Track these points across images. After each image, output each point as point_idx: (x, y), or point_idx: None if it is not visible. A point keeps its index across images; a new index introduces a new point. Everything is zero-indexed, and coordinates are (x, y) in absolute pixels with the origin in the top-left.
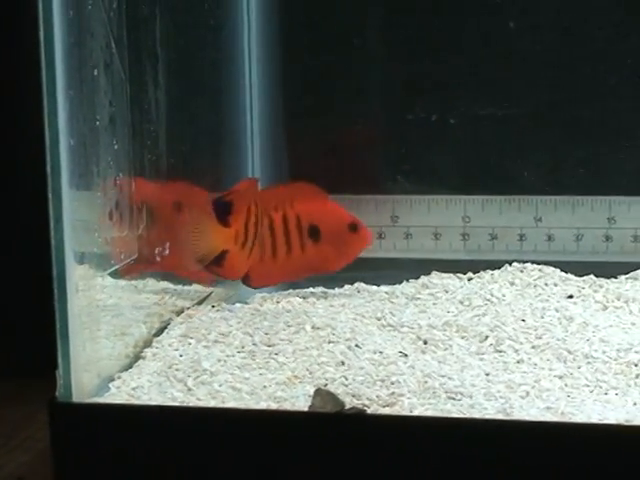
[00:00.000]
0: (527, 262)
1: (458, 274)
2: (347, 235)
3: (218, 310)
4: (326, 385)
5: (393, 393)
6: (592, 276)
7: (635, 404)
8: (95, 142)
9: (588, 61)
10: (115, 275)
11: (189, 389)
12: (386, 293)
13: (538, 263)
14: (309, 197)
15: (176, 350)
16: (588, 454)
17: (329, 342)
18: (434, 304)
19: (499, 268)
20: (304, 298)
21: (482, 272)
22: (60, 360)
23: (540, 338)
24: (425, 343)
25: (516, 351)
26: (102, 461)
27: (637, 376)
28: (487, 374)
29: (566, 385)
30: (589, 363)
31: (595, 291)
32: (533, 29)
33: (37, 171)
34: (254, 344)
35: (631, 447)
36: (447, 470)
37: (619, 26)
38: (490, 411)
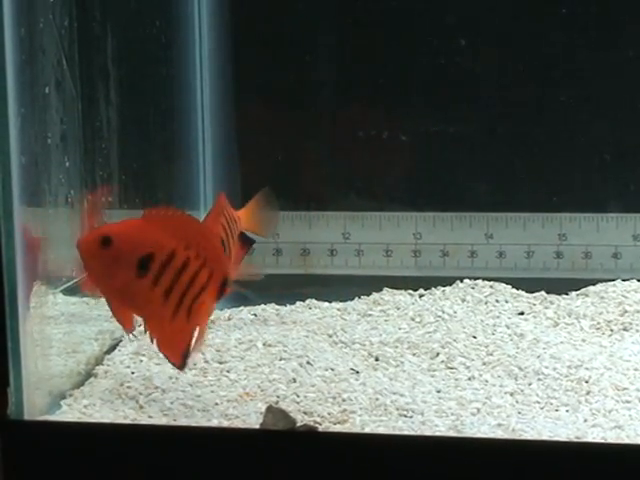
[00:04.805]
0: (478, 279)
1: (409, 291)
2: None
3: None
4: (277, 402)
5: (345, 410)
6: (543, 293)
7: (586, 421)
8: (47, 160)
9: (538, 78)
10: (67, 292)
11: (141, 406)
12: (338, 310)
13: (489, 280)
14: None
15: (128, 367)
16: (539, 471)
17: (281, 359)
18: (386, 321)
19: (450, 285)
20: (255, 315)
21: (433, 289)
22: (12, 378)
23: (491, 355)
24: (377, 360)
25: (467, 368)
26: (53, 479)
27: (588, 393)
28: (438, 391)
29: (517, 402)
30: (540, 380)
31: (546, 308)
32: (484, 47)
33: None
34: (206, 361)
35: (582, 464)
36: None
37: (567, 44)
38: (441, 428)
